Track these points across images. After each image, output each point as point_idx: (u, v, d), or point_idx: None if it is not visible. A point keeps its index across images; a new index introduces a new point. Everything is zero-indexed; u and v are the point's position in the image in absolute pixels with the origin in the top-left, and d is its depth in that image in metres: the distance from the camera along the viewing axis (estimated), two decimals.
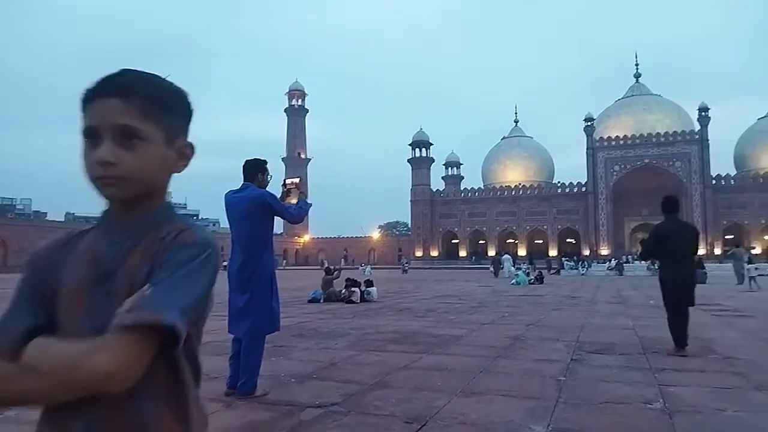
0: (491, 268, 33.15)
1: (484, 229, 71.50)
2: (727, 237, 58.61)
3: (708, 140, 60.96)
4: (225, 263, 3.37)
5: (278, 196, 4.11)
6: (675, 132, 62.74)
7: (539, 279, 23.45)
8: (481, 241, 71.97)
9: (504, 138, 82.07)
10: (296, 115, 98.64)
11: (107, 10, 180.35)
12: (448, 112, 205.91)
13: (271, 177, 4.16)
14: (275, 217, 4.01)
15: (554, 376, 4.60)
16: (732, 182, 62.64)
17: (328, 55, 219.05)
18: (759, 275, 20.98)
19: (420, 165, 74.86)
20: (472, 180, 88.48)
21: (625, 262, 40.27)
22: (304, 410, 3.56)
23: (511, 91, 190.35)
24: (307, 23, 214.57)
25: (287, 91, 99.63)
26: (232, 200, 4.02)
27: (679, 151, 61.80)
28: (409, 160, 75.65)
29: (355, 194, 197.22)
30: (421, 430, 3.16)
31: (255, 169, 4.09)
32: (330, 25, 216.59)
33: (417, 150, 75.44)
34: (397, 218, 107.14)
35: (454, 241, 73.30)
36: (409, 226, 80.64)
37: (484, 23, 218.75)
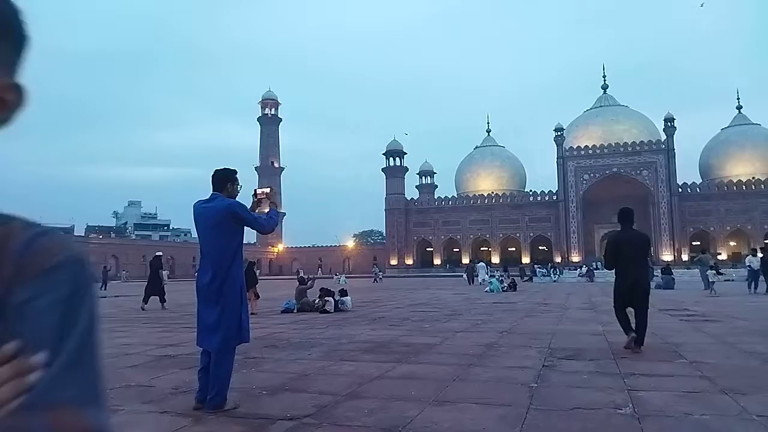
0: (465, 276, 33.41)
1: (458, 237, 72.00)
2: (693, 243, 60.09)
3: (674, 150, 62.64)
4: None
5: (249, 206, 4.07)
6: (642, 142, 64.33)
7: (512, 286, 23.66)
8: (455, 249, 72.44)
9: (477, 147, 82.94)
10: (269, 124, 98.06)
11: (73, 12, 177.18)
12: (422, 122, 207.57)
13: (240, 187, 4.11)
14: (245, 227, 3.97)
15: (526, 383, 4.63)
16: (698, 190, 64.40)
17: (303, 64, 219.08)
18: (721, 280, 21.58)
19: (394, 174, 75.12)
20: (445, 189, 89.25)
21: (596, 269, 40.94)
22: (275, 423, 3.51)
23: (483, 101, 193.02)
24: (281, 31, 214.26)
25: (260, 100, 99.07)
26: (201, 211, 3.96)
27: (646, 161, 63.36)
28: (383, 169, 75.84)
29: (330, 203, 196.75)
30: None
31: (224, 179, 4.04)
32: (305, 33, 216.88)
33: (391, 159, 75.72)
34: (371, 227, 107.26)
35: (428, 249, 73.60)
36: (384, 234, 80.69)
37: (457, 35, 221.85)
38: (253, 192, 4.21)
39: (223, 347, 3.83)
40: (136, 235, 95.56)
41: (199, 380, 3.93)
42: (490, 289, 22.51)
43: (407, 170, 77.67)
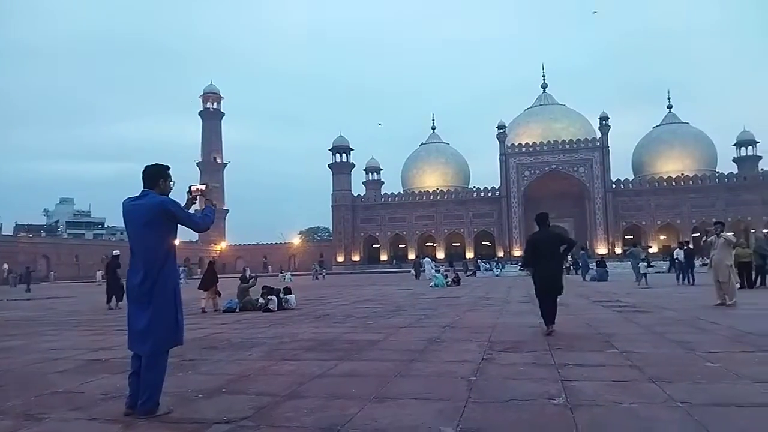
0: (412, 271, 33.85)
1: (404, 233, 72.66)
2: (626, 237, 63.12)
3: (608, 147, 65.49)
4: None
5: (183, 203, 3.93)
6: (579, 140, 66.90)
7: (456, 281, 24.07)
8: (401, 245, 73.03)
9: (422, 144, 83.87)
10: (211, 118, 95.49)
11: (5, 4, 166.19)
12: (368, 118, 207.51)
13: (174, 183, 3.95)
14: (179, 225, 3.83)
15: (465, 377, 4.71)
16: (630, 186, 67.63)
17: (246, 58, 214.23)
18: (652, 273, 22.74)
19: (340, 170, 74.88)
20: (392, 185, 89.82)
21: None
22: (210, 427, 3.40)
23: (429, 98, 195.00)
24: (224, 26, 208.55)
25: (202, 93, 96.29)
26: (131, 208, 3.78)
27: (583, 158, 65.95)
28: (329, 166, 75.45)
29: (275, 200, 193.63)
30: None
31: (156, 175, 3.87)
32: (249, 30, 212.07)
33: (337, 155, 75.41)
34: (318, 224, 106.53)
35: (375, 245, 73.91)
36: (331, 231, 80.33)
37: (403, 33, 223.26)
38: (188, 188, 4.06)
39: (154, 350, 3.68)
40: (68, 234, 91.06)
41: (129, 385, 3.76)
42: (434, 284, 22.81)
43: (354, 166, 77.62)
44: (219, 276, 14.31)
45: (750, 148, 77.74)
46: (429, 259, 34.76)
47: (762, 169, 69.40)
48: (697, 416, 3.33)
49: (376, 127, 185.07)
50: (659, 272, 28.88)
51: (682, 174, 66.17)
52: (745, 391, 3.82)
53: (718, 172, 69.15)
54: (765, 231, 48.47)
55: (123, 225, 3.90)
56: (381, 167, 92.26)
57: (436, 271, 28.15)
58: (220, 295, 13.58)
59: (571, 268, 35.31)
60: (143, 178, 3.86)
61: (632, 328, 7.87)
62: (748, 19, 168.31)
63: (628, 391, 4.05)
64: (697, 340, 6.49)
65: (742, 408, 3.50)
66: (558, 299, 7.47)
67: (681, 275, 20.05)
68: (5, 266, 50.10)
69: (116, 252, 16.65)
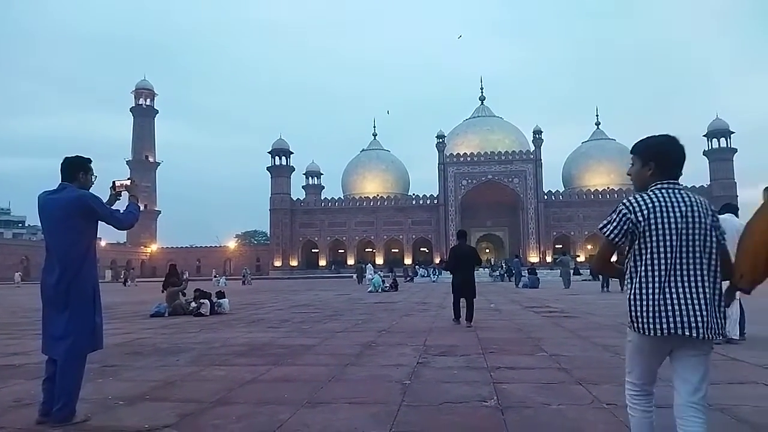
0: (355, 276, 34.42)
1: (344, 238, 72.45)
2: (556, 246, 65.72)
3: (541, 160, 68.09)
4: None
5: (105, 199, 3.71)
6: (514, 151, 69.22)
7: (394, 286, 24.21)
8: (340, 251, 72.77)
9: (363, 150, 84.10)
10: (144, 115, 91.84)
11: None
12: (308, 122, 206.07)
13: (95, 177, 3.72)
14: (99, 223, 3.60)
15: (400, 380, 4.70)
16: (561, 198, 70.56)
17: (183, 54, 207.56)
18: (579, 280, 23.76)
19: (280, 173, 73.78)
20: (332, 190, 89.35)
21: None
22: None
23: (370, 105, 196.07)
24: (159, 16, 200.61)
25: (134, 89, 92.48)
26: (47, 202, 3.52)
27: (517, 169, 68.22)
28: (268, 168, 74.18)
29: (211, 202, 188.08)
30: None
31: (76, 168, 3.62)
32: (182, 25, 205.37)
33: (277, 158, 74.28)
34: (255, 227, 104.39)
35: (314, 250, 73.22)
36: (269, 235, 78.92)
37: (344, 35, 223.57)
38: (111, 183, 3.83)
39: (71, 355, 3.43)
40: None
41: (43, 391, 3.49)
42: (373, 286, 23.00)
43: (293, 170, 76.75)
44: (150, 279, 13.73)
45: None
46: (371, 266, 35.07)
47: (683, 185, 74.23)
48: (622, 417, 3.45)
49: (316, 131, 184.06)
50: (586, 280, 30.24)
51: (608, 187, 69.66)
52: (666, 393, 4.01)
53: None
54: None
55: (41, 225, 3.63)
56: (321, 172, 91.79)
57: (375, 273, 28.31)
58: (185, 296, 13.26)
59: (505, 275, 36.39)
60: (62, 170, 3.61)
61: (561, 333, 8.14)
62: (674, 41, 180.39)
63: (557, 393, 4.16)
64: (621, 344, 6.73)
65: (664, 408, 3.67)
66: (493, 306, 7.95)
67: (605, 284, 21.07)
68: None
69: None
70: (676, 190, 2.25)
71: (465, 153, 69.92)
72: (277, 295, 22.30)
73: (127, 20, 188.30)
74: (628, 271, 2.28)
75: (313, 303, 16.34)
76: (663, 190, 2.25)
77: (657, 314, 2.12)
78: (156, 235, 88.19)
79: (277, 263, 70.99)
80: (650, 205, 2.20)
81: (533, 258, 61.84)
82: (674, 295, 2.12)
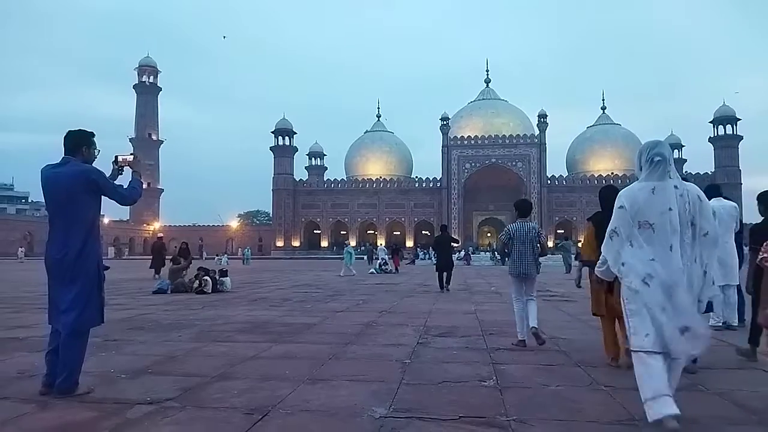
0: (366, 258, 34.49)
1: (346, 220, 72.49)
2: (558, 231, 65.69)
3: (545, 144, 67.67)
4: None
5: (108, 174, 3.70)
6: (518, 135, 68.76)
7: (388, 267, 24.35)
8: (342, 232, 72.84)
9: (367, 132, 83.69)
10: (147, 92, 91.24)
11: None
12: (312, 103, 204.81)
13: (98, 151, 3.71)
14: (103, 198, 3.60)
15: (400, 360, 4.73)
16: (564, 183, 70.27)
17: (187, 31, 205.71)
18: (579, 265, 23.75)
19: (283, 153, 73.56)
20: (335, 171, 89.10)
21: (473, 253, 43.30)
22: (132, 407, 3.25)
23: (374, 86, 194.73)
24: None
25: (137, 66, 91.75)
26: (51, 176, 3.51)
27: (521, 153, 67.87)
28: (271, 148, 73.95)
29: (214, 181, 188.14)
30: (262, 420, 3.03)
31: (79, 141, 3.61)
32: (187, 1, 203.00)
33: (280, 138, 74.00)
34: (258, 207, 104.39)
35: (316, 231, 73.32)
36: (271, 215, 78.98)
37: (349, 17, 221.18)
38: (114, 158, 3.82)
39: (75, 328, 3.46)
40: None
41: (47, 363, 3.53)
42: (375, 269, 23.15)
43: (296, 150, 76.46)
44: (149, 257, 13.75)
45: (676, 151, 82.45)
46: (383, 247, 35.05)
47: (686, 172, 73.84)
48: (620, 399, 3.48)
49: (320, 111, 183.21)
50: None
51: (612, 173, 69.33)
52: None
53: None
54: None
55: (44, 199, 3.63)
56: (325, 153, 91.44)
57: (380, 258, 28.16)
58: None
59: (506, 259, 36.40)
60: (65, 143, 3.60)
61: (560, 316, 8.18)
62: (680, 26, 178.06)
63: (555, 375, 4.20)
64: None
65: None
66: (494, 289, 8.36)
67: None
68: None
69: (160, 234, 15.74)
70: (525, 222, 5.88)
71: (469, 136, 69.52)
72: (279, 274, 22.41)
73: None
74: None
75: (314, 283, 16.42)
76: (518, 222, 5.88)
77: (516, 267, 5.76)
78: (159, 213, 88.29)
79: (279, 243, 71.16)
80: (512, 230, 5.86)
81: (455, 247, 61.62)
82: (520, 260, 5.72)
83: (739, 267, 6.38)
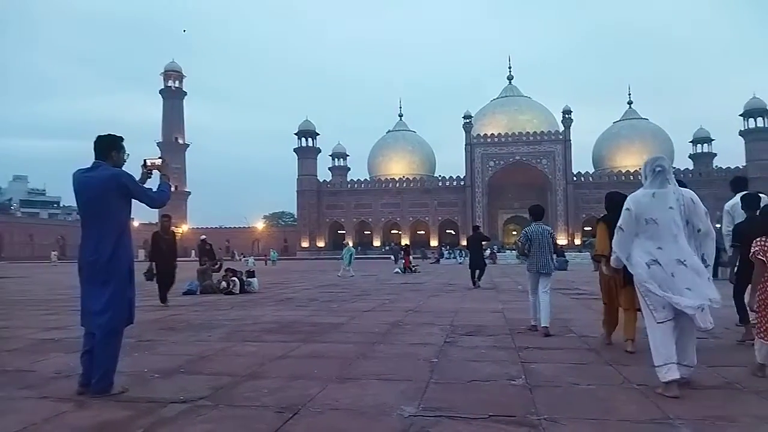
0: (392, 258, 34.63)
1: (370, 220, 72.68)
2: (585, 228, 64.73)
3: (570, 140, 66.82)
4: None
5: (137, 177, 3.77)
6: (542, 132, 68.01)
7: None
8: (366, 232, 73.07)
9: (389, 131, 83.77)
10: (173, 97, 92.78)
11: None
12: (335, 104, 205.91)
13: (128, 155, 3.78)
14: (133, 201, 3.68)
15: (428, 359, 4.72)
16: (590, 179, 69.20)
17: (210, 36, 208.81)
18: None
19: (306, 155, 74.11)
20: (358, 172, 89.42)
21: (498, 251, 42.95)
22: (166, 406, 3.31)
23: (396, 86, 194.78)
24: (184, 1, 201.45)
25: (163, 71, 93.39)
26: (83, 180, 3.59)
27: (546, 150, 67.12)
28: (295, 150, 74.56)
29: (239, 183, 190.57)
30: (293, 418, 3.06)
31: (109, 146, 3.68)
32: (209, 4, 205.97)
33: (303, 139, 74.55)
34: (283, 208, 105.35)
35: (340, 231, 73.65)
36: (296, 216, 79.62)
37: (370, 16, 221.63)
38: (142, 162, 3.89)
39: (109, 328, 3.54)
40: (22, 212, 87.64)
41: (82, 364, 3.61)
42: (399, 269, 23.12)
43: (320, 151, 76.99)
44: (180, 260, 13.93)
45: (705, 145, 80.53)
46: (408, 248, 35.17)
47: (716, 166, 72.00)
48: (653, 398, 3.42)
49: (343, 112, 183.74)
50: None
51: (640, 168, 67.70)
52: (700, 376, 3.95)
53: (674, 168, 71.34)
54: (717, 226, 50.31)
55: (76, 203, 3.71)
56: (348, 153, 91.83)
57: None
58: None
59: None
60: (95, 148, 3.68)
61: (590, 315, 8.06)
62: (708, 19, 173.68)
63: (586, 374, 4.14)
64: None
65: (695, 390, 3.61)
66: (521, 287, 8.55)
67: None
68: None
69: (203, 236, 15.95)
70: (540, 225, 6.59)
71: (492, 133, 69.01)
72: (304, 275, 22.58)
73: (157, 2, 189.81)
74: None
75: (340, 283, 16.50)
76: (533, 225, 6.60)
77: (535, 264, 6.37)
78: (186, 215, 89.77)
79: (305, 244, 71.70)
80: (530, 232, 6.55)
81: (561, 240, 61.02)
82: (539, 258, 6.33)
83: None
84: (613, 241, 3.96)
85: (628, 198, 3.91)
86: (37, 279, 21.77)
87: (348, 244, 23.78)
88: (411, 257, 26.06)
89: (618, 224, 3.90)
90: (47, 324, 7.36)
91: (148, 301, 10.06)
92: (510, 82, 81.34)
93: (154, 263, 9.94)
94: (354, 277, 19.80)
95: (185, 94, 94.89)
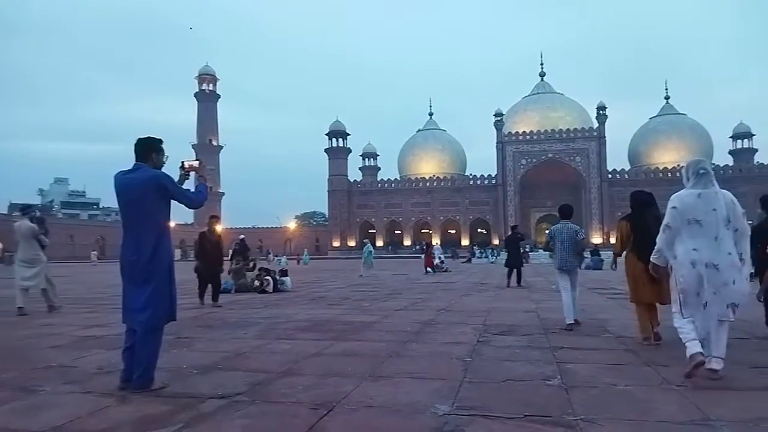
0: (423, 257, 34.40)
1: (400, 219, 72.67)
2: None
3: (605, 137, 65.44)
4: None
5: (176, 179, 3.87)
6: (576, 129, 66.77)
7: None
8: (397, 231, 73.11)
9: (419, 131, 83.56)
10: (207, 100, 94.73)
11: None
12: (365, 104, 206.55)
13: (167, 157, 3.88)
14: (172, 201, 3.77)
15: (461, 358, 4.71)
16: (626, 176, 67.64)
17: (242, 41, 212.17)
18: None
19: (337, 155, 74.59)
20: (388, 171, 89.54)
21: (530, 251, 42.38)
22: (205, 402, 3.39)
23: (426, 85, 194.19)
24: (216, 3, 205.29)
25: (197, 75, 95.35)
26: (124, 182, 3.69)
27: (580, 147, 65.90)
28: (326, 150, 75.13)
29: (271, 184, 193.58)
30: (328, 415, 3.09)
31: (149, 148, 3.78)
32: (242, 7, 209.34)
33: (334, 140, 75.06)
34: (314, 208, 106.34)
35: (371, 231, 73.85)
36: (327, 216, 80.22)
37: (400, 17, 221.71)
38: (180, 164, 3.98)
39: (150, 325, 3.64)
40: (62, 213, 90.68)
41: (124, 360, 3.73)
42: (431, 269, 22.97)
43: (350, 151, 77.37)
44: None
45: (746, 140, 77.84)
46: (438, 246, 34.94)
47: (757, 162, 69.51)
48: (693, 399, 3.34)
49: (373, 112, 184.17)
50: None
51: (678, 165, 66.13)
52: (742, 376, 3.84)
53: (714, 164, 69.30)
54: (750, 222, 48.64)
55: (117, 205, 3.82)
56: (378, 153, 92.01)
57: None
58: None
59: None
60: (135, 150, 3.78)
61: (627, 315, 7.84)
62: (749, 11, 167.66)
63: (624, 374, 4.06)
64: None
65: (736, 391, 3.52)
66: (555, 287, 8.63)
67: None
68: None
69: (242, 236, 16.28)
70: (566, 223, 6.86)
71: (524, 131, 68.13)
72: (336, 274, 22.74)
73: (191, 6, 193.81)
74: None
75: (371, 282, 16.56)
76: (559, 223, 6.93)
77: (561, 263, 6.68)
78: (220, 216, 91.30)
79: (336, 244, 72.18)
80: (554, 231, 6.93)
81: (596, 239, 59.89)
82: (561, 255, 6.70)
83: None
84: (660, 239, 4.06)
85: (672, 197, 3.99)
86: (77, 278, 22.50)
87: (368, 242, 23.64)
88: (439, 256, 25.87)
89: (664, 222, 4.02)
90: (88, 322, 7.60)
91: (184, 299, 10.29)
92: (542, 79, 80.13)
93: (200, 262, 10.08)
94: (368, 276, 19.79)
95: (219, 96, 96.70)
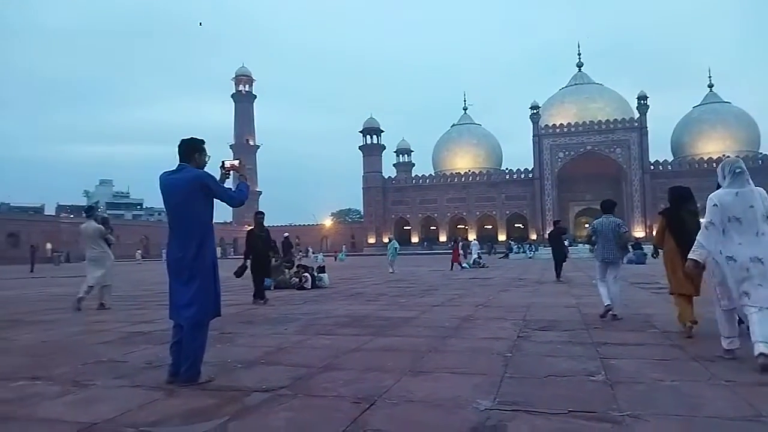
0: (462, 252, 34.20)
1: (435, 215, 72.37)
2: None
3: (647, 127, 63.53)
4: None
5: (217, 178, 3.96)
6: (615, 120, 65.03)
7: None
8: (432, 227, 72.83)
9: (453, 125, 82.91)
10: (244, 101, 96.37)
11: None
12: (399, 100, 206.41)
13: (209, 157, 3.98)
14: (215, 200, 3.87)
15: (501, 353, 4.68)
16: (669, 168, 65.58)
17: (277, 41, 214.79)
18: None
19: (371, 152, 74.80)
20: (423, 167, 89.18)
21: (570, 245, 41.56)
22: (250, 395, 3.47)
23: (460, 79, 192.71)
24: (253, 6, 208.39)
25: (234, 76, 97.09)
26: (169, 182, 3.81)
27: (620, 138, 64.18)
28: (360, 147, 75.44)
29: (307, 181, 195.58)
30: (369, 409, 3.13)
31: (191, 149, 3.89)
32: (279, 8, 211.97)
33: (368, 137, 75.30)
34: (349, 205, 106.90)
35: (406, 227, 73.88)
36: (362, 213, 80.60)
37: (434, 11, 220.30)
38: (221, 164, 4.08)
39: (196, 321, 3.75)
40: (108, 214, 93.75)
41: (171, 354, 3.85)
42: (467, 265, 22.88)
43: (384, 148, 77.42)
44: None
45: None
46: (476, 242, 34.68)
47: None
48: (743, 394, 3.23)
49: (407, 108, 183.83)
50: None
51: (724, 155, 63.47)
52: None
53: (761, 153, 66.43)
54: None
55: (161, 205, 3.94)
56: (412, 149, 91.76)
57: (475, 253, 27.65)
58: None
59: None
60: (179, 151, 3.89)
61: (672, 309, 7.62)
62: None
63: (670, 370, 3.96)
64: None
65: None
66: (596, 282, 7.87)
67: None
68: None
69: (286, 234, 16.60)
70: (608, 217, 7.03)
71: (561, 123, 66.76)
72: (372, 270, 22.85)
73: (228, 8, 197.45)
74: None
75: (407, 278, 16.58)
76: (601, 217, 7.15)
77: (600, 254, 6.96)
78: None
79: (371, 240, 72.45)
80: (597, 224, 7.11)
81: (638, 233, 58.26)
82: (604, 248, 6.95)
83: None
84: (701, 236, 4.23)
85: (710, 196, 4.18)
86: (123, 277, 23.22)
87: (392, 239, 23.54)
88: (477, 252, 25.64)
89: (707, 220, 4.17)
90: (136, 318, 7.86)
91: (226, 296, 10.53)
92: (579, 69, 78.28)
93: (248, 261, 10.08)
94: (396, 272, 19.75)
95: (255, 97, 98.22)
